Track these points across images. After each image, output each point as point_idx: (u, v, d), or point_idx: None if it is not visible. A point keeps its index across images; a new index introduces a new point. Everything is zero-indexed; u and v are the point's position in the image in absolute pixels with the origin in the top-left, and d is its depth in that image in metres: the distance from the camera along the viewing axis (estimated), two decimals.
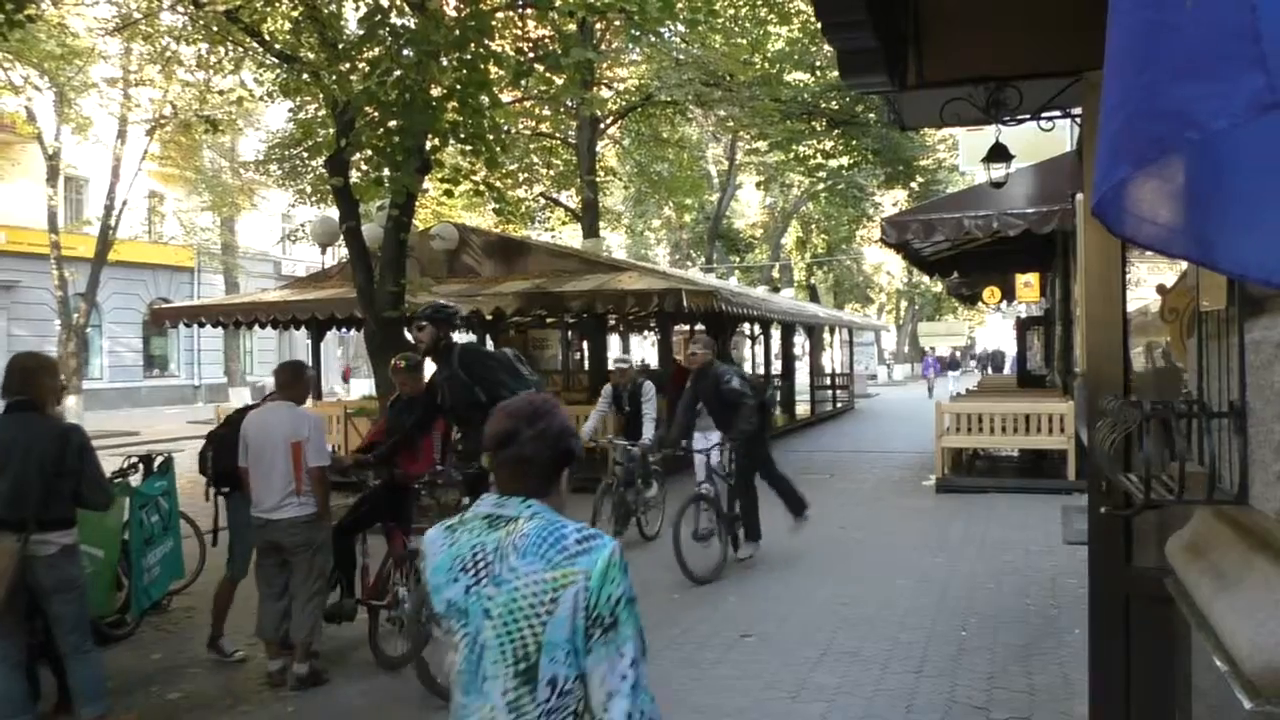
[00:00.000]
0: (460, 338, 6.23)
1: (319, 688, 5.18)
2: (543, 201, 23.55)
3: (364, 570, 5.78)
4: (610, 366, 10.47)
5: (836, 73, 6.56)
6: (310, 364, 7.48)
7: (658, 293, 12.10)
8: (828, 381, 26.30)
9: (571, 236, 25.31)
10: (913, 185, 26.95)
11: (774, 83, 19.16)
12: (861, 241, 39.24)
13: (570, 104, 16.96)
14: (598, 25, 17.03)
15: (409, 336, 7.40)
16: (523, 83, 11.10)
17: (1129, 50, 1.16)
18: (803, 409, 22.88)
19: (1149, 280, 3.56)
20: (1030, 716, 4.63)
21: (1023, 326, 20.38)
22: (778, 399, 20.77)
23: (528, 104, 17.23)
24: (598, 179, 20.12)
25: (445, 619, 1.90)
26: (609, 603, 1.80)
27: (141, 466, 6.20)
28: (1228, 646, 1.60)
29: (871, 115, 19.69)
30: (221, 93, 15.67)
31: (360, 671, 5.47)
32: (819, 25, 3.79)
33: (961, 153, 19.99)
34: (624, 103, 20.57)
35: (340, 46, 9.52)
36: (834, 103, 20.35)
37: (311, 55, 10.17)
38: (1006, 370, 34.63)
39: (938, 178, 28.54)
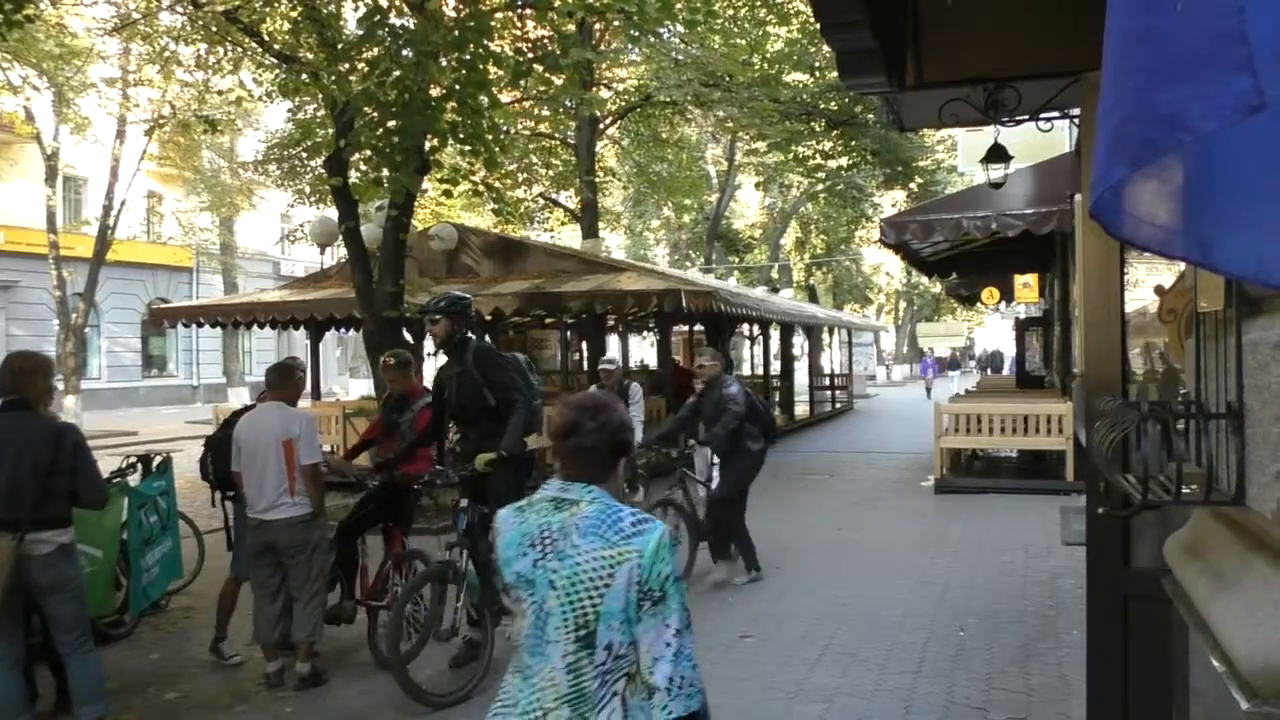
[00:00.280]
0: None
1: (318, 688, 5.18)
2: (542, 202, 23.54)
3: (363, 571, 5.79)
4: (598, 368, 10.44)
5: (836, 73, 6.55)
6: (307, 364, 7.47)
7: (657, 293, 12.10)
8: (826, 382, 26.38)
9: (570, 237, 25.32)
10: (912, 186, 26.92)
11: (773, 83, 19.15)
12: (860, 242, 39.20)
13: (569, 104, 16.96)
14: (597, 26, 17.00)
15: (408, 336, 7.38)
16: (522, 83, 11.08)
17: (1122, 53, 1.17)
18: (802, 409, 22.92)
19: (1147, 281, 3.56)
20: (1028, 717, 4.64)
21: (1021, 327, 20.35)
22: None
23: (527, 104, 17.20)
24: (597, 179, 20.11)
25: (514, 589, 2.10)
26: (659, 579, 2.01)
27: (140, 466, 6.20)
28: (1225, 647, 1.60)
29: (870, 116, 19.67)
30: (220, 93, 15.63)
31: (360, 672, 5.47)
32: (818, 26, 3.79)
33: (960, 153, 20.03)
34: (623, 103, 20.57)
35: (339, 47, 9.51)
36: (833, 103, 20.33)
37: (310, 55, 10.17)
38: (1005, 371, 34.60)
39: (937, 178, 28.50)
